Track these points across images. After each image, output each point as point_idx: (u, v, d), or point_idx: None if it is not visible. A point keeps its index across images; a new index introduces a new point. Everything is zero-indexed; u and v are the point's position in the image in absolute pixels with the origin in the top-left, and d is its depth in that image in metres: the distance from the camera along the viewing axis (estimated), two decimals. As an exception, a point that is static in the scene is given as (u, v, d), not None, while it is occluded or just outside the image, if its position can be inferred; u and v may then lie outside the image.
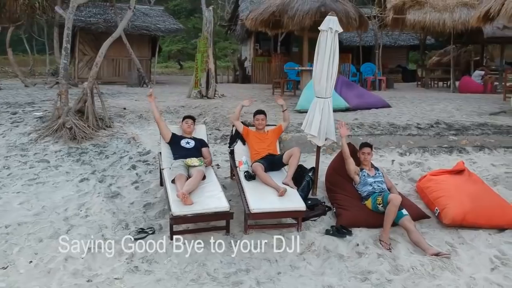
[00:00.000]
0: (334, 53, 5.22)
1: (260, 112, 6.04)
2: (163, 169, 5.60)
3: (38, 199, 5.60)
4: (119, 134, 7.87)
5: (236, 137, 6.00)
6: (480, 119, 8.79)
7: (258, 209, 4.68)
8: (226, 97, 11.64)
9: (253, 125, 6.09)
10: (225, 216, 4.68)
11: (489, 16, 9.86)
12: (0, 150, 6.99)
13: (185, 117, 6.00)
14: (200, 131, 6.11)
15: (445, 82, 16.60)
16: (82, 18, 15.17)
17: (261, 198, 4.87)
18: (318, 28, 5.30)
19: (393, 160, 6.98)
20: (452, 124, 8.20)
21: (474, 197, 5.18)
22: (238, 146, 5.97)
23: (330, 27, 5.12)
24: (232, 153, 6.06)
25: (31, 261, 4.35)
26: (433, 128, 7.99)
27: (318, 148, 5.71)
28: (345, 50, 19.46)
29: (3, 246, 4.57)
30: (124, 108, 9.46)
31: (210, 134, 7.94)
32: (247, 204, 4.77)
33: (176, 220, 4.53)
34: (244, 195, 4.99)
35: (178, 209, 4.55)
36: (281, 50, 18.10)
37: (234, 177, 6.21)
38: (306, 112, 8.44)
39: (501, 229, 5.12)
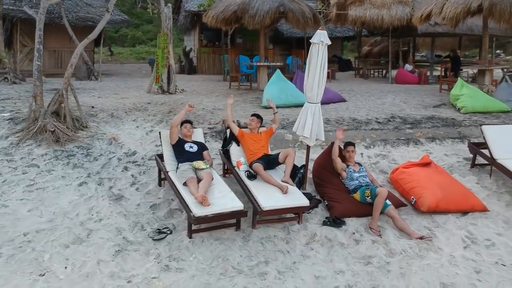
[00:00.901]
0: (324, 64, 5.82)
1: (257, 115, 6.52)
2: (167, 171, 5.95)
3: (45, 205, 5.75)
4: (98, 135, 7.98)
5: (231, 138, 6.45)
6: (427, 112, 9.86)
7: (269, 206, 5.24)
8: (186, 91, 11.92)
9: (245, 127, 6.57)
10: (241, 214, 5.19)
11: (428, 16, 10.93)
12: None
13: (184, 122, 6.36)
14: (198, 135, 6.50)
15: (380, 72, 17.88)
16: (23, 9, 14.56)
17: (269, 196, 5.41)
18: (310, 41, 5.86)
19: (361, 153, 7.77)
20: (406, 118, 9.18)
21: (443, 187, 6.09)
22: (233, 147, 6.43)
23: (322, 40, 5.70)
24: (226, 153, 6.51)
25: (66, 267, 4.60)
26: (390, 122, 8.90)
27: (308, 147, 6.33)
28: (286, 41, 20.31)
29: (32, 253, 4.76)
30: (92, 107, 9.48)
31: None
32: (257, 202, 5.30)
33: (198, 220, 4.97)
34: (251, 193, 5.50)
35: (199, 210, 4.98)
36: (225, 41, 18.52)
37: (227, 175, 6.70)
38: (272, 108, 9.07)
39: (464, 212, 6.08)
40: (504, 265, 5.06)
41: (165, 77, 11.24)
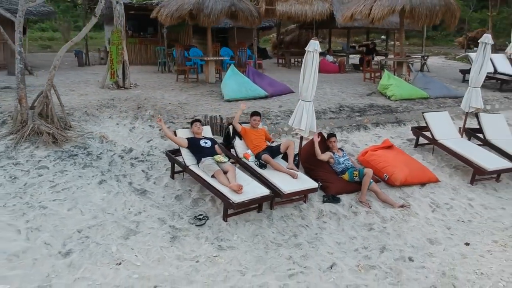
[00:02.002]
0: (316, 68, 6.96)
1: (257, 113, 7.49)
2: (187, 166, 6.73)
3: (80, 204, 6.21)
4: (87, 134, 8.32)
5: (235, 134, 7.36)
6: (365, 100, 11.49)
7: (289, 190, 6.31)
8: (139, 86, 12.31)
9: (246, 123, 7.53)
10: (268, 198, 6.20)
11: (355, 15, 12.55)
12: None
13: (194, 121, 7.13)
14: (207, 131, 7.31)
15: (300, 61, 19.41)
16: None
17: (284, 181, 6.48)
18: (305, 49, 6.95)
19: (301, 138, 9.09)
20: (352, 107, 10.70)
21: (407, 164, 7.64)
22: (237, 141, 7.36)
23: (316, 49, 6.84)
24: (228, 146, 7.42)
25: (136, 255, 5.30)
26: (342, 111, 10.35)
27: (301, 138, 7.48)
28: (221, 32, 21.05)
29: (99, 247, 5.35)
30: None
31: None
32: (277, 188, 6.34)
33: (238, 205, 5.89)
34: (268, 181, 6.51)
35: (237, 197, 5.91)
36: (150, 31, 18.84)
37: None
38: (235, 101, 10.15)
39: (423, 184, 7.68)
40: (464, 221, 6.72)
41: (120, 72, 11.57)
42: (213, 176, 6.34)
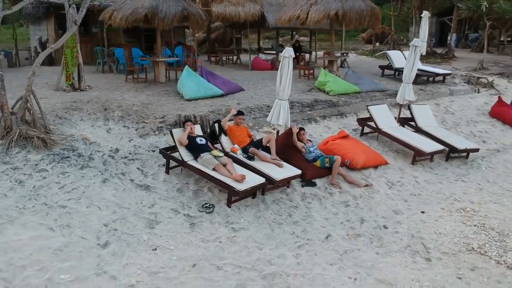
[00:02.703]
0: (290, 71, 8.06)
1: (242, 113, 8.42)
2: (186, 161, 7.51)
3: (95, 201, 6.72)
4: (69, 136, 8.69)
5: (221, 132, 8.24)
6: (308, 96, 12.82)
7: (280, 177, 7.37)
8: (93, 87, 12.55)
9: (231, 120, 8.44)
10: (264, 185, 7.20)
11: (296, 18, 13.84)
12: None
13: (186, 121, 7.90)
14: (198, 129, 8.10)
15: (231, 58, 20.43)
16: None
17: (274, 170, 7.51)
18: (281, 54, 8.02)
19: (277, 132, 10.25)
20: (301, 102, 11.96)
21: (363, 151, 9.05)
22: (223, 137, 8.25)
23: (291, 55, 7.94)
24: (218, 142, 8.29)
25: (167, 241, 6.07)
26: (293, 107, 11.55)
27: (278, 132, 8.55)
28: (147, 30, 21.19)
29: (131, 237, 6.01)
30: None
31: (142, 128, 9.55)
32: (270, 176, 7.36)
33: (243, 193, 6.83)
34: (260, 171, 7.51)
35: (241, 186, 6.83)
36: (81, 31, 18.69)
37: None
38: (196, 100, 10.99)
39: (376, 166, 9.14)
40: (415, 195, 8.26)
41: (75, 75, 11.79)
42: (214, 169, 7.19)
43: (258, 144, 8.19)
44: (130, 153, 8.43)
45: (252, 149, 7.87)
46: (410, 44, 10.38)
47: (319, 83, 13.44)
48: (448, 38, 28.81)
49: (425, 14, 15.01)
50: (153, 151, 8.60)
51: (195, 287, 5.22)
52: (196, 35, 26.10)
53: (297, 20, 13.85)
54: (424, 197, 8.25)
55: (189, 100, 11.40)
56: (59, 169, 7.47)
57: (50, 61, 17.62)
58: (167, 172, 7.86)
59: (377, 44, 30.15)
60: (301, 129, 8.87)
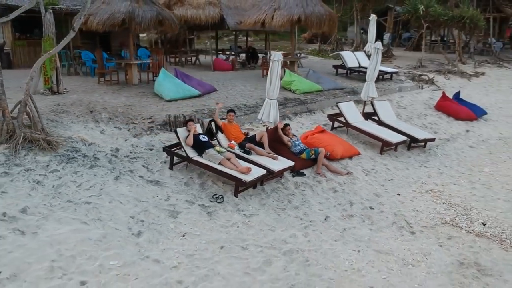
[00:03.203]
0: (279, 74, 8.97)
1: (233, 110, 9.18)
2: (191, 157, 8.20)
3: (115, 197, 7.24)
4: (67, 138, 9.08)
5: (217, 129, 8.98)
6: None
7: (277, 169, 8.23)
8: (70, 91, 12.77)
9: (223, 118, 9.19)
10: (266, 176, 8.04)
11: (260, 22, 14.76)
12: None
13: (188, 121, 8.56)
14: (198, 128, 8.78)
15: (189, 59, 20.99)
16: None
17: (271, 163, 8.38)
18: (270, 58, 8.90)
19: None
20: (284, 101, 12.86)
21: (340, 143, 10.13)
22: (219, 135, 9.00)
23: (280, 59, 8.84)
24: (215, 139, 9.02)
25: (191, 228, 6.78)
26: (268, 105, 12.44)
27: (267, 128, 9.41)
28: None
29: (159, 226, 6.64)
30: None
31: (133, 128, 10.08)
32: (269, 168, 8.22)
33: (250, 183, 7.65)
34: (258, 163, 8.33)
35: (248, 177, 7.63)
36: (36, 33, 18.62)
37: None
38: (175, 100, 11.67)
39: (351, 157, 10.25)
40: (389, 180, 9.44)
41: (54, 79, 12.01)
42: (219, 163, 7.95)
43: (252, 139, 9.01)
44: (131, 152, 8.95)
45: (249, 144, 8.68)
46: (373, 47, 11.60)
47: (285, 82, 14.41)
48: (384, 37, 30.87)
49: (373, 17, 16.46)
50: (151, 149, 9.17)
51: (229, 264, 5.98)
52: (148, 36, 26.36)
53: (267, 24, 14.72)
54: (397, 181, 9.45)
55: (169, 101, 11.98)
56: (70, 169, 7.88)
57: (8, 65, 17.42)
58: (171, 168, 8.49)
59: (322, 44, 31.75)
60: (286, 125, 9.79)
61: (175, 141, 9.46)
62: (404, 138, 10.90)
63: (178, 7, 17.67)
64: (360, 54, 18.30)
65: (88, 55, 15.60)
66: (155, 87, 12.54)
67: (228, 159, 8.01)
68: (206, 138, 8.43)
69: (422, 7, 20.36)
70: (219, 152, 8.17)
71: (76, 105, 11.16)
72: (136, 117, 10.67)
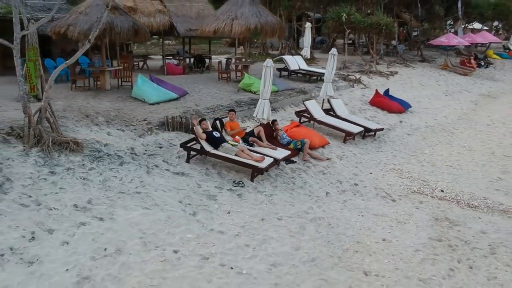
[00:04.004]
0: (270, 78, 10.62)
1: (233, 110, 10.63)
2: (209, 151, 9.57)
3: (156, 187, 8.44)
4: (84, 140, 9.96)
5: (222, 126, 10.40)
6: (242, 96, 15.30)
7: (280, 157, 9.87)
8: (52, 98, 13.25)
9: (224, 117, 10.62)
10: (274, 163, 9.66)
11: (217, 31, 16.23)
12: (41, 171, 8.18)
13: (202, 120, 9.88)
14: (209, 125, 10.11)
15: (136, 64, 21.71)
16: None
17: (273, 153, 10.00)
18: (263, 64, 10.51)
19: (247, 126, 12.75)
20: (244, 101, 14.41)
21: (315, 134, 12.03)
22: (224, 132, 10.44)
23: (272, 65, 10.51)
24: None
25: (231, 207, 8.22)
26: (241, 105, 13.97)
27: (261, 124, 11.01)
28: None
29: (208, 207, 7.95)
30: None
31: (134, 129, 11.14)
32: (273, 156, 9.82)
33: (264, 170, 9.22)
34: (262, 154, 9.92)
35: (262, 165, 9.16)
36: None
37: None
38: (158, 103, 12.93)
39: (323, 146, 12.20)
40: (359, 163, 11.52)
41: (39, 86, 12.54)
42: (235, 154, 9.42)
43: (251, 134, 10.56)
44: (146, 150, 10.05)
45: (252, 138, 10.23)
46: (329, 53, 13.63)
47: (245, 85, 16.02)
48: (300, 41, 33.53)
49: (308, 25, 18.67)
50: (161, 147, 10.33)
51: (275, 231, 7.53)
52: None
53: (226, 32, 16.20)
54: (365, 163, 11.55)
55: (152, 104, 13.06)
56: (103, 166, 8.87)
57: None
58: (187, 161, 9.76)
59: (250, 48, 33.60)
60: (274, 121, 11.45)
61: (177, 139, 10.80)
62: (361, 128, 13.07)
63: (132, 14, 18.42)
64: (298, 58, 20.42)
65: (51, 62, 15.97)
66: (135, 92, 13.49)
67: (242, 151, 9.50)
68: (218, 134, 9.82)
69: (344, 14, 22.98)
70: (232, 145, 9.62)
71: (68, 111, 11.85)
72: (131, 120, 11.68)
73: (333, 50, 13.65)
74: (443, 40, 29.89)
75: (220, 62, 18.14)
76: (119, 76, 15.20)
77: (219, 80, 17.90)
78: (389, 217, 8.61)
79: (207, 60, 21.66)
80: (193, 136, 10.10)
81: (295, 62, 19.52)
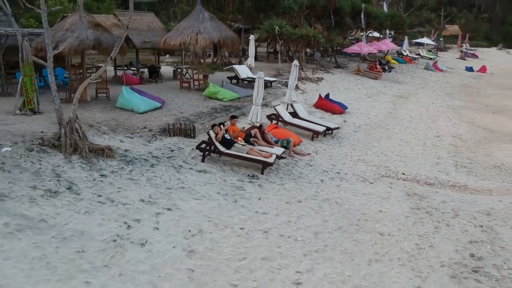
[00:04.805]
0: (262, 88, 12.58)
1: (235, 116, 12.38)
2: (223, 151, 11.27)
3: (193, 182, 9.99)
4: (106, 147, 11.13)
5: (226, 131, 12.11)
6: (212, 103, 16.97)
7: (279, 153, 11.86)
8: (45, 112, 13.88)
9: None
10: (281, 157, 11.62)
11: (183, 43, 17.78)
12: (92, 174, 9.36)
13: (214, 125, 11.52)
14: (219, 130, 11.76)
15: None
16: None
17: (272, 150, 11.96)
18: (255, 76, 12.44)
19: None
20: (219, 107, 16.11)
21: (292, 135, 14.18)
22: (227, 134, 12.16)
23: (263, 76, 12.46)
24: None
25: (257, 195, 10.07)
26: (217, 112, 15.65)
27: (253, 126, 12.88)
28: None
29: (241, 196, 9.77)
30: (42, 132, 11.48)
31: (140, 136, 12.47)
32: (275, 153, 11.80)
33: (272, 163, 11.15)
34: (263, 151, 11.85)
35: (270, 160, 11.10)
36: None
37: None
38: (146, 112, 14.41)
39: (299, 143, 14.38)
40: (331, 156, 13.87)
41: (35, 100, 13.27)
42: (247, 153, 11.24)
43: (249, 135, 12.42)
44: (163, 154, 11.47)
45: (253, 139, 12.09)
46: (292, 64, 15.86)
47: (210, 93, 17.70)
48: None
49: (252, 37, 20.84)
50: (172, 150, 11.80)
51: (302, 210, 9.51)
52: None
53: (191, 44, 17.75)
54: (335, 156, 13.91)
55: (141, 113, 14.32)
56: (139, 168, 10.19)
57: None
58: (203, 161, 11.37)
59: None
60: (261, 125, 13.39)
61: (182, 143, 12.33)
62: (324, 128, 15.46)
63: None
64: (244, 67, 22.45)
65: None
66: (121, 102, 14.60)
67: (251, 149, 11.34)
68: (229, 137, 11.56)
69: (277, 27, 25.46)
70: (243, 145, 11.42)
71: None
72: (133, 128, 12.92)
73: (295, 62, 15.90)
74: (355, 48, 33.62)
75: (179, 72, 19.55)
76: (97, 88, 16.09)
77: (180, 89, 19.33)
78: (375, 195, 10.96)
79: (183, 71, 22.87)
80: (201, 140, 11.71)
81: (244, 71, 21.51)
